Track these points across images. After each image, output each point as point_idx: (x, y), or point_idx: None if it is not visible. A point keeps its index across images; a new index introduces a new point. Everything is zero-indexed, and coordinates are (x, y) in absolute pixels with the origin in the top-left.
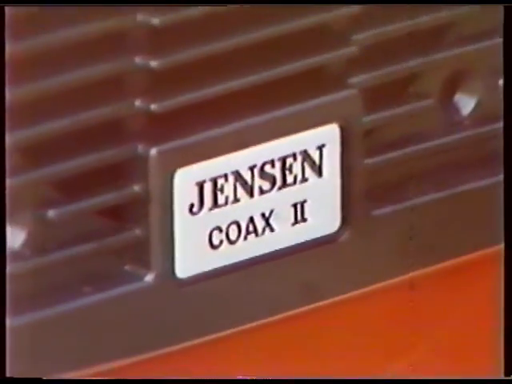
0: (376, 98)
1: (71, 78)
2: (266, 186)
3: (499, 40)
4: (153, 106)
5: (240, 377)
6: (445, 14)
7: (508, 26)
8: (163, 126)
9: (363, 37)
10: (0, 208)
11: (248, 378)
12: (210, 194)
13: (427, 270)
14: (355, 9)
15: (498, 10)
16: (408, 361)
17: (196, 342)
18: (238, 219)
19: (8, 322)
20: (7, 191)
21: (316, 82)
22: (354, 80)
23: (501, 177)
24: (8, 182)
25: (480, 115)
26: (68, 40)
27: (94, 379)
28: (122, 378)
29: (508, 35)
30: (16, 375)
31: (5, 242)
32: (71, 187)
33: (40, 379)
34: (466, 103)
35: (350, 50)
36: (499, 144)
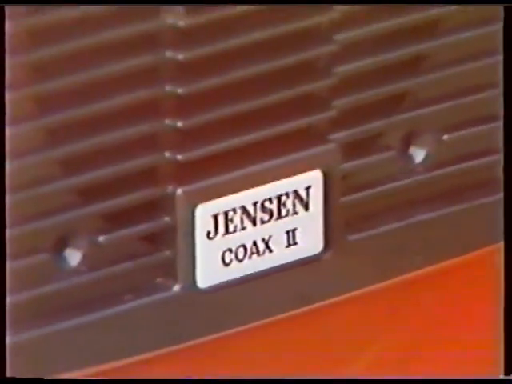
0: (351, 150)
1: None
2: (266, 217)
3: (446, 104)
4: (179, 157)
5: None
6: (404, 83)
7: (508, 25)
8: (187, 172)
9: (341, 103)
10: (0, 209)
11: (248, 378)
12: (223, 223)
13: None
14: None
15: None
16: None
17: (208, 338)
18: (244, 243)
19: (60, 324)
20: (66, 222)
21: (304, 138)
22: (333, 136)
23: (450, 209)
24: (67, 215)
25: (429, 163)
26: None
27: (94, 379)
28: (147, 367)
29: (508, 35)
30: (57, 370)
31: (5, 242)
32: (117, 218)
33: (40, 379)
34: (418, 154)
35: (331, 114)
36: (446, 183)
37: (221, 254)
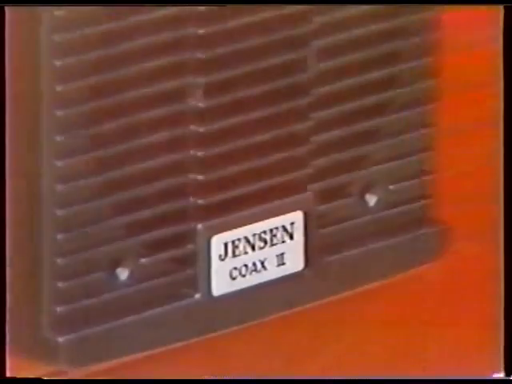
0: (323, 197)
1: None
2: (262, 244)
3: (392, 164)
4: (200, 202)
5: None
6: (362, 149)
7: (508, 25)
8: (206, 213)
9: (317, 163)
10: (0, 210)
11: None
12: (231, 249)
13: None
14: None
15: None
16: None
17: (220, 332)
18: (246, 263)
19: (114, 322)
20: (118, 249)
21: (290, 189)
22: (310, 187)
23: (394, 239)
24: (119, 244)
25: (379, 206)
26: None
27: (94, 379)
28: (174, 354)
29: (508, 35)
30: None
31: (4, 243)
32: (155, 246)
33: (40, 379)
34: (371, 200)
35: (309, 171)
36: (392, 220)
37: (229, 271)
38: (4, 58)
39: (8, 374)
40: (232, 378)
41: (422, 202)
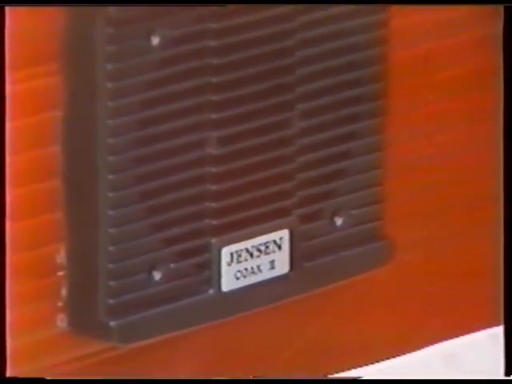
0: (304, 220)
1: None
2: (258, 254)
3: (352, 195)
4: (214, 222)
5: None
6: (331, 185)
7: (508, 25)
8: (218, 230)
9: (299, 195)
10: (0, 209)
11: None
12: (236, 257)
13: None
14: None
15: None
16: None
17: (227, 319)
18: (247, 267)
19: (150, 311)
20: (154, 257)
21: (279, 214)
22: (295, 212)
23: (353, 250)
24: (155, 254)
25: (344, 226)
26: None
27: (94, 379)
28: (193, 335)
29: (508, 35)
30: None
31: (4, 243)
32: (181, 254)
33: (40, 379)
34: (338, 221)
35: (294, 201)
36: (353, 238)
37: (234, 273)
38: (4, 57)
39: (8, 374)
40: (232, 378)
41: (374, 223)
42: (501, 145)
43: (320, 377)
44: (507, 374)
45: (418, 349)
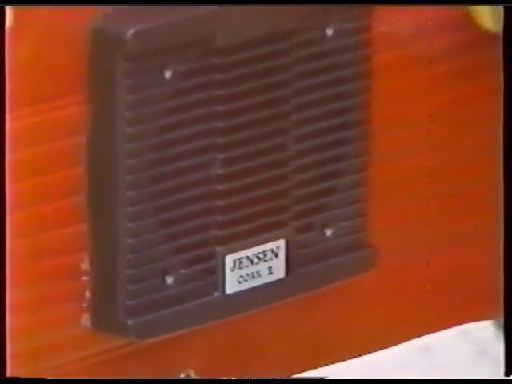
0: (299, 231)
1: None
2: (257, 261)
3: (341, 209)
4: (219, 234)
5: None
6: (323, 200)
7: (508, 25)
8: (223, 241)
9: (295, 210)
10: (0, 208)
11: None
12: (238, 263)
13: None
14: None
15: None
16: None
17: (230, 318)
18: (248, 273)
19: (163, 311)
20: (167, 263)
21: (277, 226)
22: (291, 224)
23: (340, 258)
24: (168, 260)
25: (334, 236)
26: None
27: (94, 379)
28: (200, 331)
29: (508, 35)
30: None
31: (4, 242)
32: (190, 261)
33: (40, 379)
34: (328, 232)
35: (288, 215)
36: (340, 247)
37: (237, 278)
38: (4, 57)
39: (8, 374)
40: (232, 378)
41: (360, 233)
42: (487, 157)
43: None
44: (507, 373)
45: (400, 343)
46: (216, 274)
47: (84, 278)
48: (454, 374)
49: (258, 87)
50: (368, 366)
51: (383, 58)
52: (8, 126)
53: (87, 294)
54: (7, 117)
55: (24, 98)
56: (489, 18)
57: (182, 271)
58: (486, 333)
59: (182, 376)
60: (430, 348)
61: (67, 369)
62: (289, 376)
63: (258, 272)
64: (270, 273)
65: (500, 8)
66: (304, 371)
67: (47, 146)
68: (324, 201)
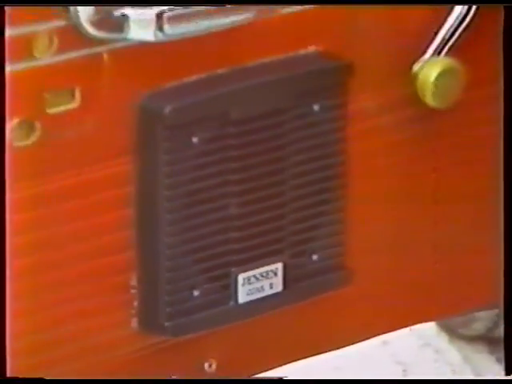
0: (292, 256)
1: None
2: (262, 278)
3: (325, 240)
4: (234, 258)
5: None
6: (306, 235)
7: (508, 26)
8: (237, 263)
9: (289, 240)
10: (0, 207)
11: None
12: (247, 280)
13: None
14: None
15: None
16: None
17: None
18: (255, 287)
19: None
20: (194, 280)
21: (274, 253)
22: (286, 251)
23: (325, 275)
24: (192, 280)
25: (319, 260)
26: None
27: (94, 379)
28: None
29: (508, 35)
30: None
31: (4, 242)
32: (211, 279)
33: (41, 379)
34: (314, 257)
35: (284, 244)
36: (326, 267)
37: (247, 291)
38: (4, 57)
39: (9, 374)
40: (232, 378)
41: (338, 258)
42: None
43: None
44: (507, 373)
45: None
46: (231, 289)
47: (133, 291)
48: (408, 362)
49: (263, 149)
50: (344, 358)
51: (356, 127)
52: (80, 177)
53: (135, 303)
54: (75, 171)
55: (89, 158)
56: (431, 97)
57: (205, 286)
58: (430, 330)
59: (206, 365)
60: (389, 342)
61: (120, 360)
62: (250, 376)
63: (262, 287)
64: (271, 288)
65: (445, 88)
66: (299, 358)
67: (106, 193)
68: (312, 234)
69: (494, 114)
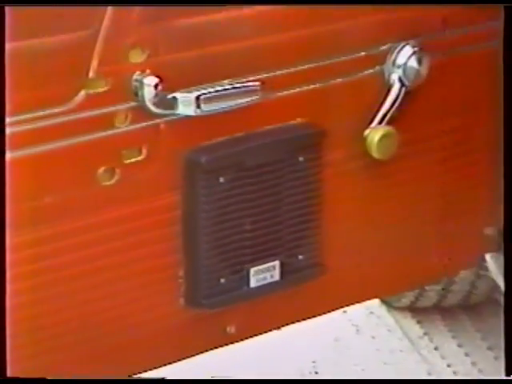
0: (286, 258)
1: None
2: (265, 271)
3: (303, 248)
4: (248, 258)
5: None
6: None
7: (508, 26)
8: (250, 261)
9: (286, 245)
10: (0, 207)
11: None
12: (257, 273)
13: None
14: None
15: None
16: None
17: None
18: (262, 276)
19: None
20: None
21: (275, 255)
22: (281, 255)
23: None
24: (222, 275)
25: (304, 259)
26: None
27: (94, 379)
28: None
29: (508, 35)
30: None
31: (4, 241)
32: (233, 274)
33: (41, 379)
34: (300, 257)
35: (279, 250)
36: (309, 264)
37: (256, 279)
38: (4, 57)
39: (9, 374)
40: (232, 378)
41: (317, 258)
42: None
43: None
44: (507, 373)
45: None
46: (245, 278)
47: (180, 281)
48: (360, 324)
49: (267, 185)
50: (317, 322)
51: (329, 171)
52: (146, 205)
53: (182, 288)
54: (144, 200)
55: (151, 191)
56: (375, 152)
57: (229, 276)
58: (374, 302)
59: (228, 328)
60: (347, 311)
61: (171, 327)
62: (130, 375)
63: (265, 277)
64: (272, 277)
65: (384, 146)
66: (291, 322)
67: (162, 215)
68: (298, 242)
69: (419, 165)
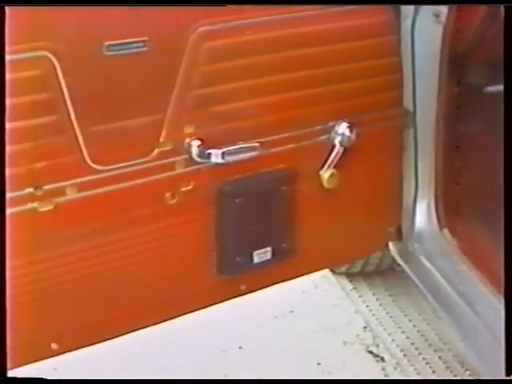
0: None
1: None
2: (262, 254)
3: None
4: (251, 249)
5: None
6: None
7: (508, 25)
8: (253, 249)
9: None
10: (0, 207)
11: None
12: (257, 254)
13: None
14: None
15: None
16: None
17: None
18: (259, 257)
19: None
20: None
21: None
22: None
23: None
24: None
25: (287, 249)
26: None
27: (94, 379)
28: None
29: (508, 35)
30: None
31: (4, 240)
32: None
33: (41, 379)
34: (284, 247)
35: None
36: (290, 251)
37: (257, 258)
38: (4, 57)
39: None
40: (232, 379)
41: (292, 247)
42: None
43: None
44: (507, 373)
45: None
46: (250, 257)
47: (213, 259)
48: (317, 283)
49: (262, 205)
50: (290, 286)
51: (300, 195)
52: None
53: (214, 262)
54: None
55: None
56: (326, 184)
57: (242, 257)
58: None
59: (242, 287)
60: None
61: (204, 292)
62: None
63: (261, 257)
64: (266, 257)
65: (331, 181)
66: (278, 281)
67: (194, 214)
68: (282, 236)
69: (355, 193)
